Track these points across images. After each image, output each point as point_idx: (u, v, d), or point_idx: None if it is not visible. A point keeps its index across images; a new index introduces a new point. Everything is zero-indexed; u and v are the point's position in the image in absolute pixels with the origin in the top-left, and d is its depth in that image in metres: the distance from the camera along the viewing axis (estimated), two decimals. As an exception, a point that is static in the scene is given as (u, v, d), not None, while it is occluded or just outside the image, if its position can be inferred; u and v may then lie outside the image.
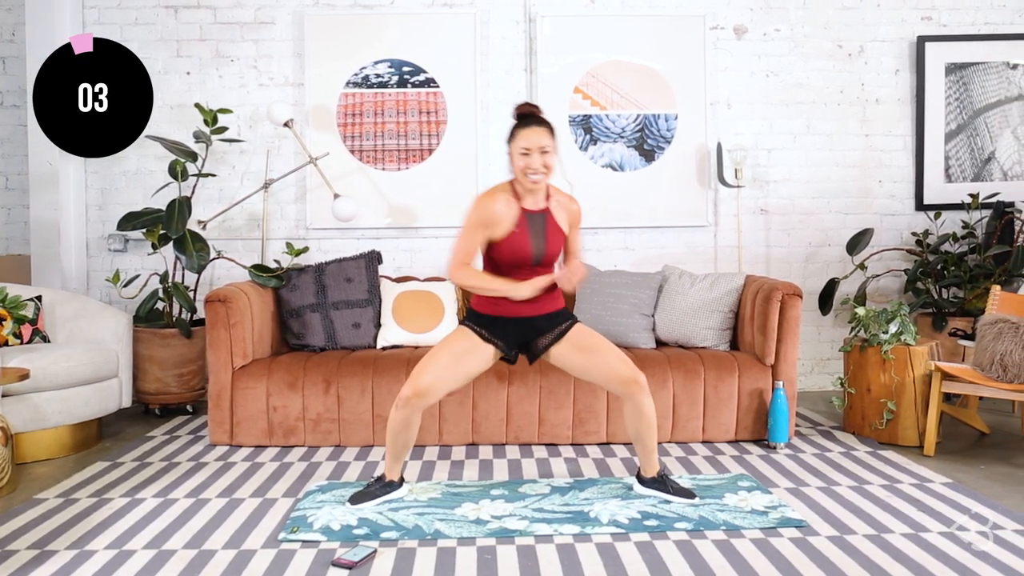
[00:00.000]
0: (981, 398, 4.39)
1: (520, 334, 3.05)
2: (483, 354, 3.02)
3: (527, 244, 2.95)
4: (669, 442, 3.95)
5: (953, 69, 5.18)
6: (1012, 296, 4.03)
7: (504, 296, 2.94)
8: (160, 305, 4.66)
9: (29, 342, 4.03)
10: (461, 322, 3.11)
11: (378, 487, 3.08)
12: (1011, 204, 4.95)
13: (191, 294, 4.63)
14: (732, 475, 3.40)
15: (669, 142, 5.09)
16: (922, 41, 5.15)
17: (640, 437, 3.09)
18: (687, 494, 3.08)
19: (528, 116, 2.95)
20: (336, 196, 4.70)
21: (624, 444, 3.93)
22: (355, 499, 3.03)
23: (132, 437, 4.15)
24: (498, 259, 2.99)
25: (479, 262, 3.10)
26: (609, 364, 3.01)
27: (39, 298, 4.15)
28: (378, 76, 5.01)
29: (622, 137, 5.08)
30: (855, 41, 5.17)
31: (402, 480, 3.18)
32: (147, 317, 4.50)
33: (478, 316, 3.05)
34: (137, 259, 5.03)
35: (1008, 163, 5.22)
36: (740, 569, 2.49)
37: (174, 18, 4.99)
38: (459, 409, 3.89)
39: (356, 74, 5.00)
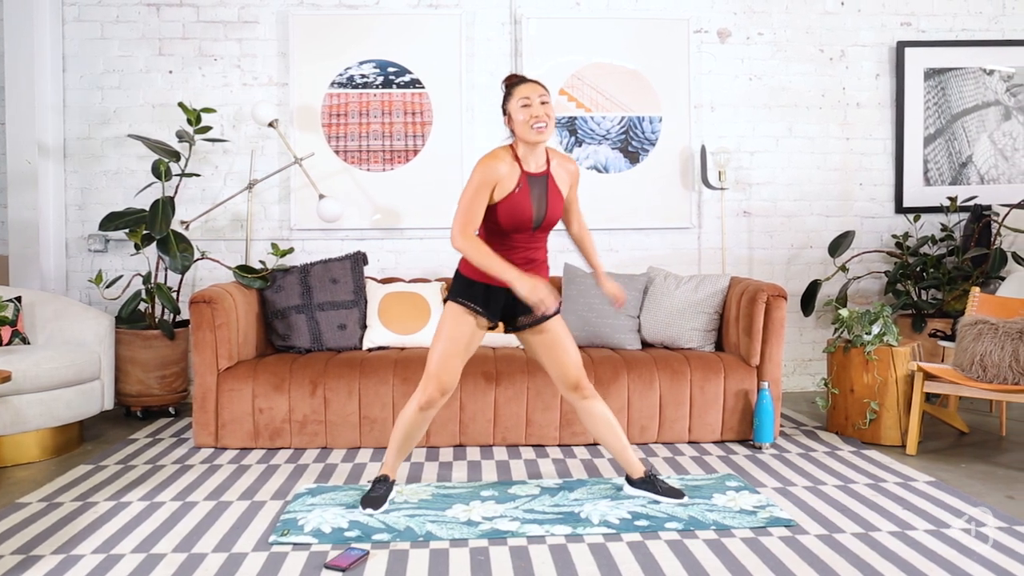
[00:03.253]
0: (961, 398, 4.46)
1: (505, 303, 3.00)
2: (479, 329, 3.02)
3: (528, 207, 2.89)
4: (656, 442, 3.98)
5: (932, 74, 5.26)
6: (991, 297, 4.10)
7: (500, 278, 2.83)
8: (142, 306, 4.60)
9: (9, 344, 3.97)
10: (449, 297, 3.01)
11: (384, 488, 3.07)
12: (988, 207, 5.04)
13: (174, 295, 4.58)
14: (720, 475, 3.43)
15: (653, 144, 5.12)
16: (902, 46, 5.22)
17: (605, 439, 3.13)
18: (676, 494, 3.10)
19: (519, 77, 2.98)
20: (321, 197, 4.67)
21: (611, 445, 3.94)
22: (367, 503, 3.01)
23: (114, 440, 4.10)
24: (497, 222, 2.90)
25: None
26: (563, 363, 3.05)
27: (19, 299, 4.09)
28: (363, 76, 4.99)
29: (607, 139, 5.10)
30: (836, 46, 5.24)
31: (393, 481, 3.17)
32: (129, 318, 4.45)
33: (467, 283, 2.98)
34: (118, 260, 4.97)
35: (985, 167, 5.31)
36: (732, 568, 2.51)
37: (156, 16, 4.94)
38: (446, 411, 3.89)
39: (341, 74, 4.98)
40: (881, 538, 2.74)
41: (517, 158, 2.92)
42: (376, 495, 3.03)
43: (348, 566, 2.50)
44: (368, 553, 2.61)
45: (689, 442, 3.99)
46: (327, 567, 2.52)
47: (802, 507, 3.06)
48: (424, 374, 2.98)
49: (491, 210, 2.90)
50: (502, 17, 5.08)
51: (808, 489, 3.27)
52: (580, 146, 5.09)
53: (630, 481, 3.18)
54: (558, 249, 5.09)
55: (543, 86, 2.93)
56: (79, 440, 4.00)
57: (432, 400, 2.97)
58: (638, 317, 4.40)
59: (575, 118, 5.08)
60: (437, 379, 2.95)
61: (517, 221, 2.89)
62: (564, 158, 3.07)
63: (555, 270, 4.99)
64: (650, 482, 3.14)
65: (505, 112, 2.95)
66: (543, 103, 2.86)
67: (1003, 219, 4.83)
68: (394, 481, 3.13)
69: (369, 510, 2.98)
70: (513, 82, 2.95)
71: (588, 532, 2.79)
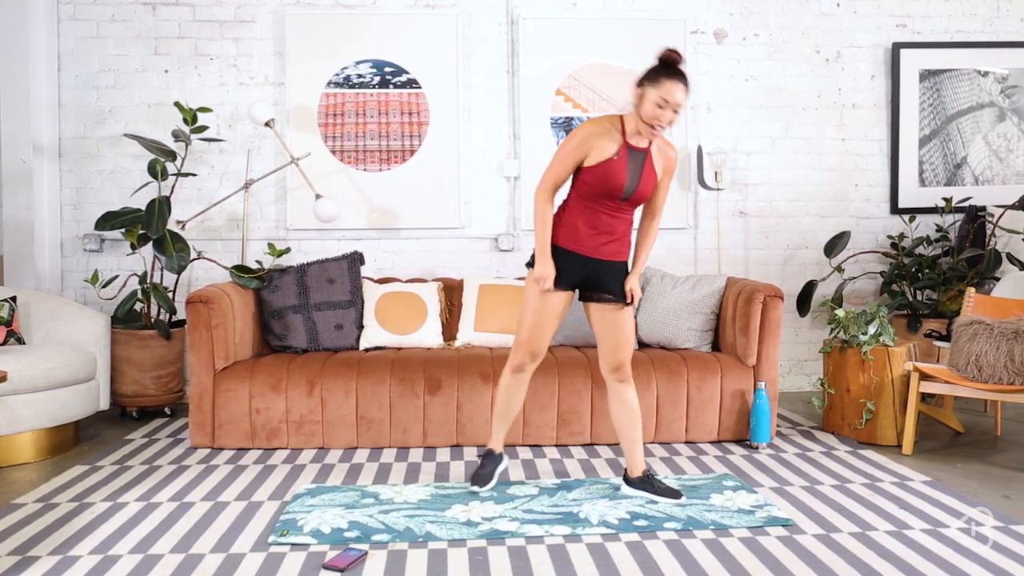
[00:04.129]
0: (956, 398, 4.48)
1: (583, 271, 3.07)
2: (557, 295, 3.08)
3: (623, 175, 2.94)
4: (653, 442, 3.98)
5: (927, 75, 5.28)
6: (986, 298, 4.12)
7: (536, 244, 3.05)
8: (138, 306, 4.59)
9: (4, 344, 3.95)
10: (528, 263, 3.13)
11: (492, 463, 3.24)
12: (983, 208, 5.06)
13: (170, 295, 4.57)
14: (717, 475, 3.44)
15: (650, 145, 5.11)
16: (897, 48, 5.24)
17: (622, 427, 3.18)
18: (673, 494, 3.10)
19: (674, 66, 2.91)
20: (318, 197, 4.67)
21: (608, 445, 3.95)
22: (476, 480, 3.19)
23: (110, 440, 4.08)
24: (588, 186, 2.98)
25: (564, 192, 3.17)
26: (614, 346, 3.11)
27: (13, 299, 4.07)
28: (360, 76, 4.99)
29: (603, 139, 5.10)
30: (832, 47, 5.25)
31: (500, 454, 3.31)
32: (125, 318, 4.43)
33: (552, 248, 3.08)
34: (113, 259, 4.95)
35: (979, 168, 5.33)
36: (731, 568, 2.51)
37: (152, 15, 4.93)
38: (443, 410, 3.89)
39: (338, 74, 4.98)
40: (878, 537, 2.75)
41: (624, 130, 2.98)
42: (484, 472, 3.21)
43: (346, 567, 2.50)
44: (366, 554, 2.61)
45: (686, 442, 4.00)
46: (325, 567, 2.51)
47: (799, 507, 3.06)
48: (515, 340, 3.16)
49: (585, 173, 2.98)
50: (499, 17, 5.08)
51: (805, 489, 3.28)
52: (577, 146, 5.09)
53: (628, 481, 3.18)
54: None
55: (686, 88, 2.90)
56: (75, 440, 3.98)
57: (522, 364, 3.15)
58: (635, 317, 4.40)
59: (571, 118, 5.09)
60: (527, 346, 3.13)
61: (609, 187, 2.95)
62: (667, 143, 3.08)
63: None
64: (648, 482, 3.15)
65: (640, 86, 2.94)
66: (675, 112, 2.89)
67: (998, 220, 4.85)
68: (501, 454, 3.28)
69: (475, 487, 3.16)
70: (665, 72, 2.89)
71: (587, 532, 2.80)
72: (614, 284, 3.09)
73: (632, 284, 3.12)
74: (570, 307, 3.22)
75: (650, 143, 3.01)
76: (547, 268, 3.03)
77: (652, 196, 3.11)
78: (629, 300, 3.11)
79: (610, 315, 3.10)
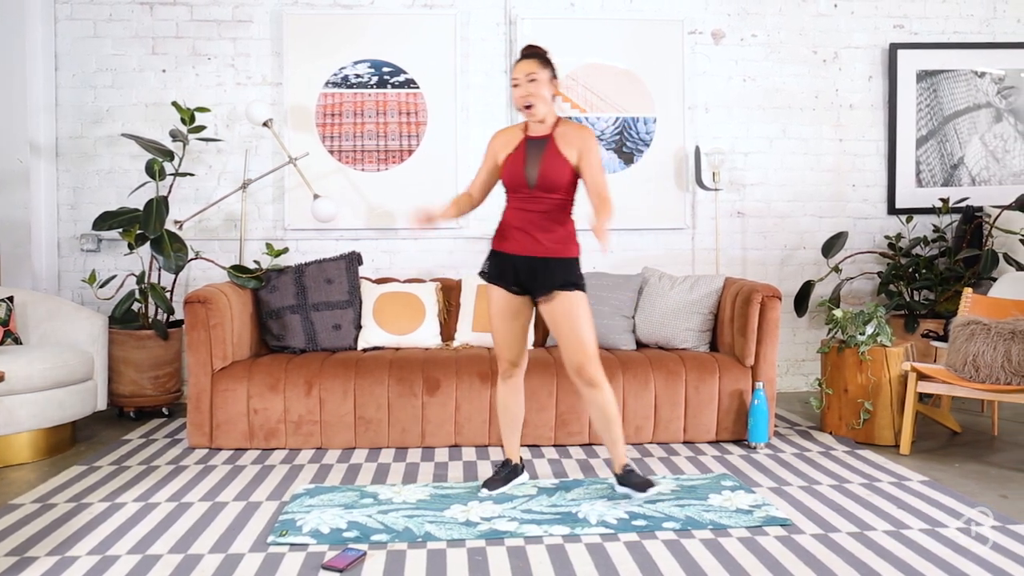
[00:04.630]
0: (953, 398, 4.49)
1: (522, 272, 3.08)
2: (515, 296, 3.11)
3: (521, 167, 3.04)
4: (651, 443, 3.98)
5: (924, 76, 5.29)
6: (983, 298, 4.12)
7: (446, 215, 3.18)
8: (135, 306, 4.58)
9: (1, 344, 3.94)
10: (480, 271, 3.22)
11: (505, 471, 3.26)
12: (980, 209, 5.07)
13: (167, 295, 4.56)
14: (715, 475, 3.44)
15: (648, 145, 5.13)
16: (894, 48, 5.25)
17: (598, 430, 3.18)
18: (645, 485, 3.11)
19: (523, 53, 3.11)
20: (316, 197, 4.66)
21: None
22: (486, 483, 3.22)
23: (107, 441, 4.07)
24: (505, 186, 3.13)
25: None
26: (565, 343, 3.07)
27: (10, 299, 4.06)
28: (358, 76, 4.99)
29: (601, 140, 5.11)
30: (830, 47, 5.26)
31: (521, 464, 3.32)
32: (122, 318, 4.42)
33: (491, 254, 3.16)
34: (110, 259, 4.94)
35: (976, 169, 5.34)
36: (730, 568, 2.51)
37: (149, 15, 4.92)
38: (442, 411, 3.88)
39: (335, 74, 4.97)
40: (876, 537, 2.75)
41: (527, 128, 3.14)
42: (496, 478, 3.24)
43: (345, 567, 2.50)
44: (365, 554, 2.61)
45: (684, 442, 4.00)
46: (324, 568, 2.51)
47: (797, 507, 3.07)
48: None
49: (501, 175, 3.14)
50: (497, 17, 5.08)
51: (803, 489, 3.28)
52: (575, 147, 5.09)
53: (618, 479, 3.18)
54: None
55: (540, 58, 3.06)
56: (72, 441, 3.97)
57: (506, 371, 3.20)
58: (633, 317, 4.41)
59: (569, 118, 5.05)
60: (501, 357, 3.18)
61: (514, 178, 3.06)
62: (575, 127, 3.13)
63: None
64: (625, 477, 3.15)
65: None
66: (531, 80, 3.01)
67: (994, 220, 4.86)
68: (517, 465, 3.30)
69: (484, 491, 3.18)
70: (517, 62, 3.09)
71: (586, 532, 2.80)
72: (557, 278, 3.03)
73: (598, 227, 2.87)
74: (532, 310, 3.17)
75: (552, 130, 3.08)
76: (432, 209, 3.14)
77: (586, 179, 3.05)
78: (601, 241, 2.87)
79: (560, 310, 3.04)
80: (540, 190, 3.03)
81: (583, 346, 3.05)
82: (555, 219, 3.07)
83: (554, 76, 3.10)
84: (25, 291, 4.26)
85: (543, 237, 3.05)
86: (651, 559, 2.58)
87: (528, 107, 3.03)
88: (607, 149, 5.11)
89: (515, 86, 3.05)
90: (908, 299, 5.01)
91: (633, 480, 3.13)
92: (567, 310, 3.04)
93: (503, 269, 3.10)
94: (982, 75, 5.32)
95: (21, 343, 4.06)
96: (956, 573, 2.46)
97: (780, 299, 4.02)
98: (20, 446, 3.68)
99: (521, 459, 3.35)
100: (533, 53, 3.08)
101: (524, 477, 3.32)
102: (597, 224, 2.90)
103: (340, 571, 2.48)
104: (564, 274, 3.06)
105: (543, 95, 3.04)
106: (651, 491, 3.10)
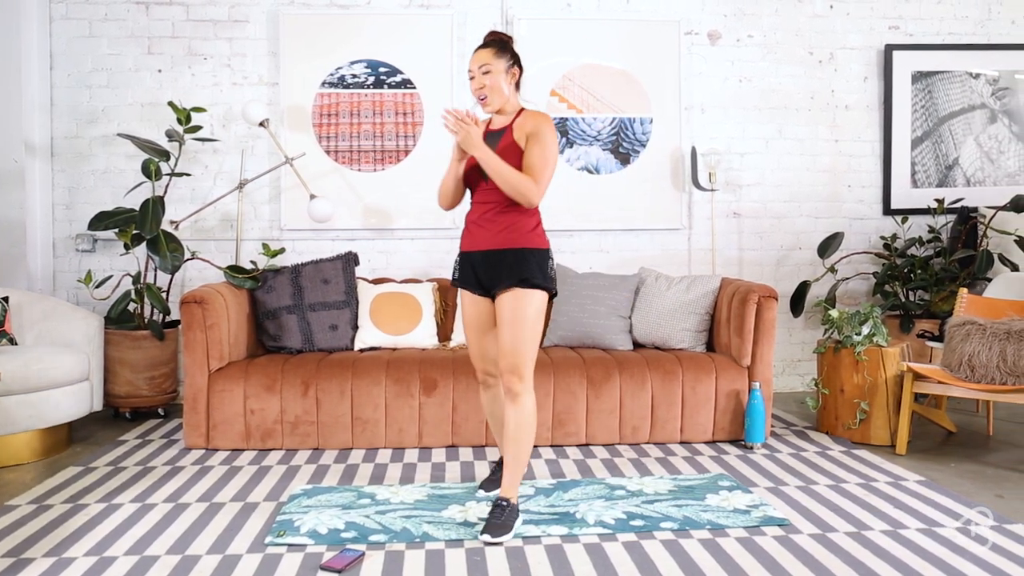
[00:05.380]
0: (949, 398, 4.50)
1: (478, 271, 2.91)
2: (481, 299, 2.97)
3: (476, 161, 2.89)
4: (648, 443, 3.99)
5: (919, 77, 5.31)
6: (979, 299, 4.14)
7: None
8: (131, 307, 4.56)
9: (-4, 344, 3.93)
10: (452, 279, 3.10)
11: (500, 470, 3.19)
12: (975, 209, 5.09)
13: (163, 295, 4.55)
14: (712, 475, 3.44)
15: (644, 145, 5.13)
16: (890, 49, 5.27)
17: (505, 442, 2.85)
18: (499, 529, 2.72)
19: (483, 40, 2.96)
20: (312, 197, 4.66)
21: (604, 445, 3.95)
22: (483, 484, 3.21)
23: (103, 441, 4.06)
24: (464, 180, 3.00)
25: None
26: (504, 348, 2.80)
27: (6, 299, 4.05)
28: (354, 76, 4.98)
29: (598, 140, 5.11)
30: (825, 48, 5.28)
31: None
32: (118, 319, 4.41)
33: (457, 256, 3.04)
34: (106, 259, 4.93)
35: (971, 169, 5.36)
36: (728, 568, 2.52)
37: (145, 14, 4.90)
38: (439, 411, 3.88)
39: (332, 74, 4.97)
40: (874, 537, 2.76)
41: (489, 122, 3.03)
42: (493, 478, 3.21)
43: (343, 568, 2.50)
44: (363, 554, 2.60)
45: (681, 442, 4.01)
46: (322, 568, 2.50)
47: (795, 506, 3.07)
48: None
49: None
50: (493, 18, 5.08)
51: (800, 489, 3.29)
52: (571, 147, 5.10)
53: (493, 505, 2.84)
54: (549, 250, 5.09)
55: (496, 47, 2.90)
56: (68, 442, 3.96)
57: (483, 380, 3.12)
58: (629, 318, 4.41)
59: (566, 119, 5.09)
60: (474, 364, 3.10)
61: (470, 175, 2.95)
62: (532, 114, 2.92)
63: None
64: (496, 508, 2.80)
65: None
66: (485, 72, 2.87)
67: (989, 221, 4.88)
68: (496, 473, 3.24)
69: (481, 492, 3.17)
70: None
71: (584, 532, 2.80)
72: (512, 271, 2.81)
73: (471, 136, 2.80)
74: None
75: (512, 120, 2.92)
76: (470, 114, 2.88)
77: (524, 157, 2.86)
78: (455, 131, 2.80)
79: (505, 309, 2.80)
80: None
81: (518, 355, 2.78)
82: (513, 209, 2.86)
83: (515, 64, 2.93)
84: (20, 291, 4.24)
85: (498, 228, 2.86)
86: (649, 559, 2.59)
87: (483, 99, 2.89)
88: (603, 150, 5.11)
89: (471, 78, 2.89)
90: (903, 299, 5.02)
91: (493, 518, 2.76)
92: (516, 311, 2.79)
93: (466, 271, 2.95)
94: (977, 76, 5.34)
95: (16, 343, 4.04)
96: (953, 572, 2.47)
97: (777, 299, 4.03)
98: (16, 447, 3.67)
99: None
100: (489, 41, 2.92)
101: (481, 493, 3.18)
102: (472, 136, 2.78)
103: (338, 572, 2.48)
104: (519, 267, 2.81)
105: (499, 86, 2.87)
106: (503, 538, 2.71)
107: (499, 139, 2.91)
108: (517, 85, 2.97)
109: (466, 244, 2.97)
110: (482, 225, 2.91)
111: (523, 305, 2.80)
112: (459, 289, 3.03)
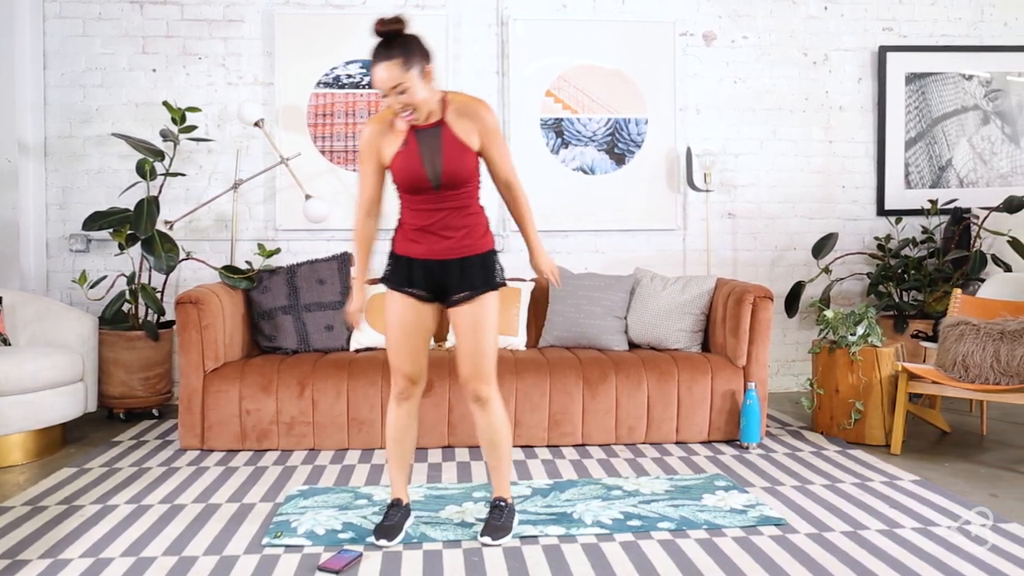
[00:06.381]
0: (943, 398, 4.52)
1: (431, 278, 2.69)
2: (422, 305, 2.71)
3: (418, 164, 2.57)
4: (643, 443, 3.99)
5: (913, 79, 5.33)
6: (972, 299, 4.16)
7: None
8: (126, 307, 4.55)
9: (-11, 345, 3.91)
10: (380, 279, 2.81)
11: (396, 512, 2.78)
12: (968, 210, 5.12)
13: (158, 295, 4.53)
14: (708, 475, 3.45)
15: (639, 146, 5.14)
16: (883, 51, 5.29)
17: (483, 449, 2.82)
18: (499, 531, 2.72)
19: (377, 47, 2.48)
20: (308, 197, 4.65)
21: (600, 445, 3.96)
22: (380, 533, 2.71)
23: (98, 442, 4.04)
24: (398, 186, 2.65)
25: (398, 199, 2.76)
26: (472, 353, 2.69)
27: (-1, 300, 4.03)
28: (349, 76, 4.97)
29: (593, 141, 5.12)
30: (820, 50, 5.29)
31: (408, 506, 2.85)
32: (112, 319, 4.39)
33: (393, 258, 2.74)
34: (100, 260, 4.91)
35: (964, 171, 5.39)
36: (725, 567, 2.52)
37: (139, 14, 4.89)
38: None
39: (327, 74, 4.96)
40: (870, 536, 2.77)
41: None
42: (389, 524, 2.73)
43: (341, 568, 2.49)
44: (361, 555, 2.60)
45: (676, 442, 4.02)
46: (320, 569, 2.50)
47: (791, 506, 3.08)
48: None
49: (391, 172, 2.65)
50: (488, 18, 5.08)
51: (796, 488, 3.30)
52: (566, 147, 5.10)
53: (491, 507, 2.84)
54: (545, 250, 5.09)
55: (402, 57, 2.45)
56: (62, 442, 3.94)
57: (403, 390, 2.74)
58: (625, 318, 4.42)
59: (561, 119, 5.09)
60: (399, 371, 2.74)
61: (414, 182, 2.59)
62: (468, 102, 2.64)
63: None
64: (494, 509, 2.80)
65: None
66: (400, 92, 2.46)
67: (982, 222, 4.90)
68: (408, 505, 2.83)
69: (383, 540, 2.68)
70: (373, 56, 2.50)
71: (581, 532, 2.80)
72: (474, 278, 2.68)
73: (540, 263, 2.81)
74: (438, 319, 2.79)
75: (443, 113, 2.60)
76: (355, 301, 2.75)
77: (491, 167, 2.70)
78: (549, 277, 2.79)
79: (472, 315, 2.68)
80: (448, 189, 2.60)
81: (485, 359, 2.69)
82: (466, 213, 2.67)
83: (426, 63, 2.51)
84: (14, 292, 4.22)
85: (456, 235, 2.65)
86: (647, 559, 2.59)
87: (410, 116, 2.52)
88: (599, 150, 5.12)
89: (383, 96, 2.50)
90: (897, 300, 5.04)
91: (492, 519, 2.75)
92: (479, 316, 2.68)
93: (414, 276, 2.68)
94: (970, 78, 5.37)
95: (10, 344, 4.02)
96: (950, 571, 2.48)
97: (772, 300, 4.04)
98: (10, 448, 3.65)
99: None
100: (390, 51, 2.45)
101: (412, 519, 2.88)
102: (537, 258, 2.78)
103: (336, 572, 2.48)
104: (485, 272, 2.70)
105: (420, 96, 2.48)
106: (503, 539, 2.70)
107: (439, 138, 2.58)
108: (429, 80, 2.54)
109: (413, 250, 2.67)
110: (438, 233, 2.65)
111: (488, 309, 2.70)
112: (391, 291, 2.73)
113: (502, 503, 2.80)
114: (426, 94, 2.52)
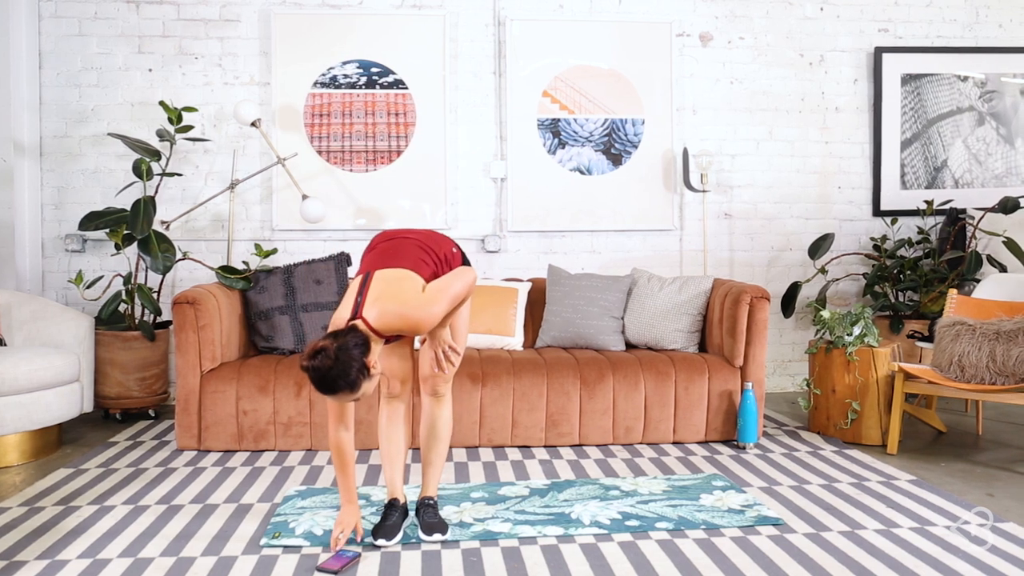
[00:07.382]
0: (939, 397, 4.54)
1: None
2: None
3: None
4: (641, 443, 4.00)
5: (908, 80, 5.35)
6: (968, 299, 4.17)
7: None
8: (122, 307, 4.53)
9: (-15, 345, 3.89)
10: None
11: (394, 513, 2.76)
12: (963, 211, 5.14)
13: (154, 296, 4.52)
14: (706, 475, 3.46)
15: (636, 146, 5.15)
16: (879, 52, 5.31)
17: (423, 442, 2.88)
18: (434, 528, 2.75)
19: (316, 385, 2.36)
20: (304, 197, 4.64)
21: (597, 446, 3.96)
22: (379, 533, 2.70)
23: (94, 443, 4.03)
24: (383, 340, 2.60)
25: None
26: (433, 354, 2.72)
27: (-5, 300, 4.01)
28: (346, 77, 4.97)
29: (590, 141, 5.12)
30: (816, 51, 5.31)
31: (405, 505, 2.83)
32: (109, 319, 4.38)
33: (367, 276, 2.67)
34: (96, 260, 4.89)
35: (959, 171, 5.41)
36: (724, 567, 2.53)
37: (135, 13, 4.88)
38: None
39: (324, 74, 4.95)
40: (867, 536, 2.78)
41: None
42: (388, 524, 2.72)
43: (340, 569, 2.49)
44: (360, 556, 2.60)
45: (674, 442, 4.02)
46: (319, 570, 2.50)
47: (788, 506, 3.09)
48: None
49: None
50: (486, 19, 5.08)
51: (793, 488, 3.31)
52: (563, 148, 5.11)
53: (416, 508, 2.86)
54: (542, 250, 5.11)
55: (344, 394, 2.38)
56: (58, 443, 3.93)
57: (391, 389, 2.80)
58: (622, 318, 4.42)
59: (558, 120, 5.10)
60: (386, 372, 2.79)
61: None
62: (394, 324, 2.50)
63: (539, 271, 5.02)
64: (422, 508, 2.81)
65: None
66: (357, 399, 2.44)
67: (978, 222, 4.92)
68: (405, 505, 2.82)
69: (382, 540, 2.68)
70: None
71: (579, 532, 2.80)
72: None
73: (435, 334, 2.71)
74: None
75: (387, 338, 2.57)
76: (348, 517, 2.64)
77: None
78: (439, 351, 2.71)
79: (457, 315, 2.80)
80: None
81: (459, 345, 2.80)
82: (414, 253, 2.70)
83: (365, 369, 2.36)
84: (9, 292, 4.21)
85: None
86: (646, 559, 2.59)
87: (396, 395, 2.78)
88: (595, 150, 5.12)
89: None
90: (893, 300, 5.06)
91: (426, 518, 2.77)
92: (462, 317, 2.83)
93: None
94: (965, 79, 5.39)
95: (5, 344, 4.01)
96: (947, 571, 2.49)
97: (769, 300, 4.05)
98: (5, 449, 3.64)
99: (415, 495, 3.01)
100: (333, 391, 2.36)
101: (411, 517, 2.89)
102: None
103: (335, 573, 2.47)
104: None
105: (373, 387, 2.43)
106: (435, 536, 2.72)
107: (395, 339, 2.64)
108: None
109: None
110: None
111: (459, 312, 2.81)
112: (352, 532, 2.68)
113: (430, 501, 2.83)
114: (376, 378, 2.43)
